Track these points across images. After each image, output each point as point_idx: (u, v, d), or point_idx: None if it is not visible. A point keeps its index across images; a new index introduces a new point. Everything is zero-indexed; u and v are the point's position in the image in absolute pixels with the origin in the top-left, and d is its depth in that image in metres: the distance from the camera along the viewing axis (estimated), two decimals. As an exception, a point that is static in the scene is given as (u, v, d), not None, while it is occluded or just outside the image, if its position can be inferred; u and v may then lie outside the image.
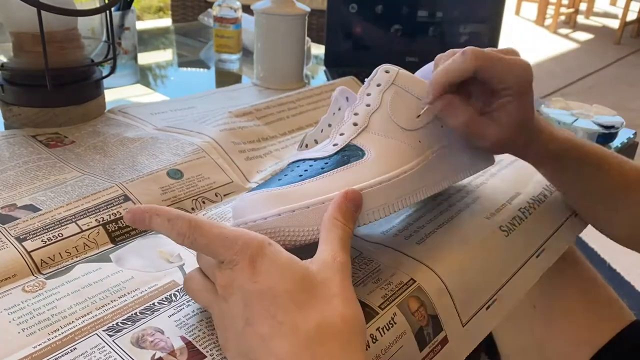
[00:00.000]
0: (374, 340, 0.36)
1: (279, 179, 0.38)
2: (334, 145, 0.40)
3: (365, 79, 0.44)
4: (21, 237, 0.42)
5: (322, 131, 0.44)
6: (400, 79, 0.43)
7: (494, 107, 0.43)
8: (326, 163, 0.39)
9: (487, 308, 0.43)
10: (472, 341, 0.42)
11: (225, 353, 0.33)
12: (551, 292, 0.57)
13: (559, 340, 0.57)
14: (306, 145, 0.44)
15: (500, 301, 0.45)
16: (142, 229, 0.34)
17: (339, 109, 0.44)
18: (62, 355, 0.33)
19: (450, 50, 0.44)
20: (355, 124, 0.41)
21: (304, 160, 0.40)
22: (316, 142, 0.44)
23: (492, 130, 0.43)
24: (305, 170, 0.38)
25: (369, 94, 0.43)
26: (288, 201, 0.36)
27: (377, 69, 0.44)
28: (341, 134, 0.41)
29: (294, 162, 0.41)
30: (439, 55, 0.45)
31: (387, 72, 0.43)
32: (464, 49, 0.41)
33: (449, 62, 0.42)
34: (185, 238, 0.32)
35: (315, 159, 0.40)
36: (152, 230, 0.34)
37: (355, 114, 0.42)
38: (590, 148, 0.49)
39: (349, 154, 0.39)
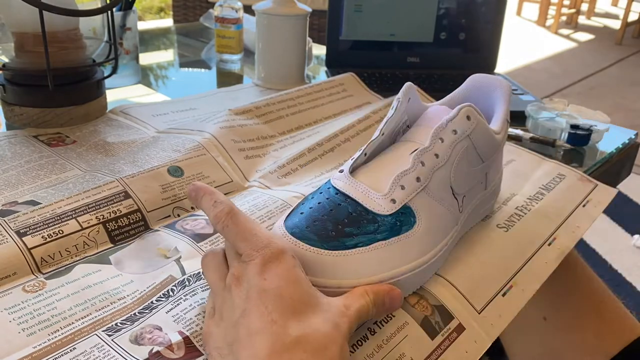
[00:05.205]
0: (372, 333, 0.37)
1: (329, 229, 0.36)
2: (392, 201, 0.38)
3: (395, 99, 0.41)
4: (21, 232, 0.42)
5: (383, 134, 0.42)
6: (477, 133, 0.41)
7: None
8: (379, 226, 0.37)
9: (503, 294, 0.43)
10: (495, 327, 0.41)
11: (207, 341, 0.33)
12: (561, 304, 0.57)
13: (570, 351, 0.57)
14: (365, 154, 0.42)
15: (518, 286, 0.44)
16: (193, 204, 0.38)
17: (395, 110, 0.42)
18: (62, 355, 0.33)
19: None
20: (417, 179, 0.39)
21: (357, 202, 0.38)
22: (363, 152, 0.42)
23: None
24: (359, 228, 0.37)
25: (442, 140, 0.40)
26: (335, 273, 0.35)
27: (460, 107, 0.40)
28: (402, 187, 0.39)
29: (345, 196, 0.38)
30: None
31: (468, 118, 0.40)
32: None
33: None
34: (220, 222, 0.34)
35: (368, 212, 0.38)
36: (199, 208, 0.36)
37: (422, 163, 0.39)
38: None
39: (402, 220, 0.38)
